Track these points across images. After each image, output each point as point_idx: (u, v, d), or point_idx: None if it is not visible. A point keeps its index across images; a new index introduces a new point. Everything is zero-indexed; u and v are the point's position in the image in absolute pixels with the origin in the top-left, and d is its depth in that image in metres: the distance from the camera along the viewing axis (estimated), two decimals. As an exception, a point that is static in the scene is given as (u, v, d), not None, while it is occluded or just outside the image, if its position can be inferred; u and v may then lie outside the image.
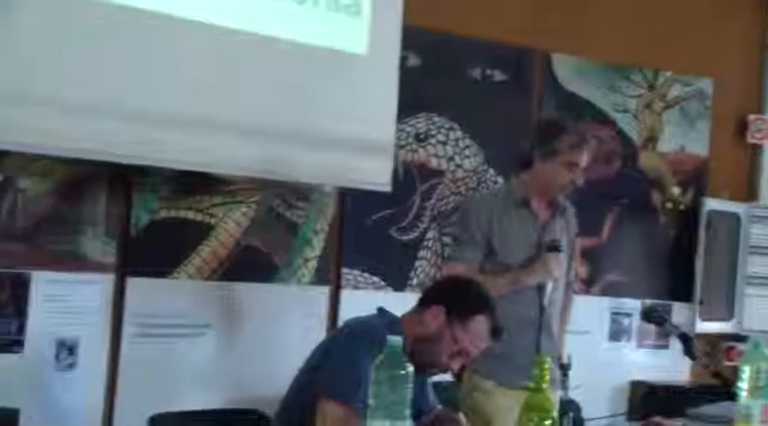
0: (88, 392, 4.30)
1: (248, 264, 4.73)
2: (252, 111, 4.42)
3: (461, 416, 3.08)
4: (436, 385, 3.36)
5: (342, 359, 2.97)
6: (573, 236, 4.19)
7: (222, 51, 4.33)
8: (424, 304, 3.19)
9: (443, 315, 3.09)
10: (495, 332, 3.15)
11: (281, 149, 4.53)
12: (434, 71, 5.35)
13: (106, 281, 4.35)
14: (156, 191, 4.47)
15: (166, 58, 4.18)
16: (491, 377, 3.87)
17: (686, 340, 3.81)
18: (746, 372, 3.09)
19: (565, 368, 3.06)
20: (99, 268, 4.32)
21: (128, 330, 4.39)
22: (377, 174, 4.91)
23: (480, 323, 3.11)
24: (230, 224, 4.67)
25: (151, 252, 4.46)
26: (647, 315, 4.28)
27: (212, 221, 4.62)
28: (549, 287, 3.89)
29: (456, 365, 3.16)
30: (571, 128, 4.10)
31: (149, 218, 4.45)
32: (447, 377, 3.62)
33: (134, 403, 4.23)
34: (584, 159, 3.95)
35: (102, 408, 4.34)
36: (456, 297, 3.16)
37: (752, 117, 6.50)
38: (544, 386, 2.34)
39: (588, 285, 5.87)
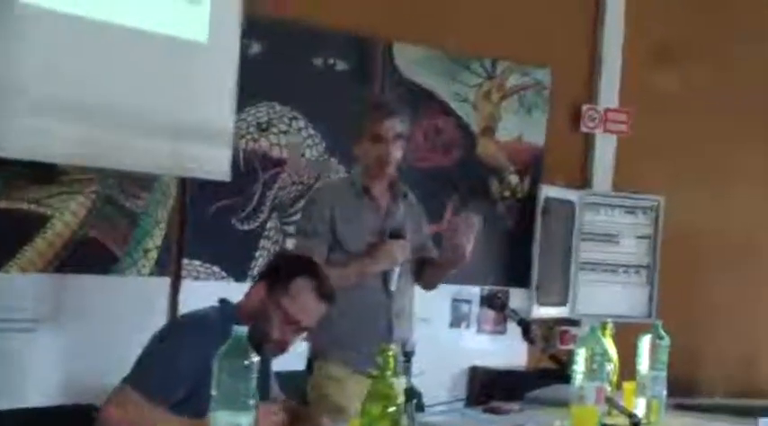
0: None
1: (86, 256, 4.62)
2: (88, 98, 4.32)
3: (310, 409, 3.09)
4: (285, 374, 3.35)
5: (153, 349, 2.99)
6: (421, 220, 4.20)
7: (59, 37, 4.22)
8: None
9: (265, 287, 3.09)
10: (324, 295, 3.12)
11: (118, 137, 4.44)
12: (277, 60, 5.32)
13: (-66, 275, 4.19)
14: (-13, 182, 4.33)
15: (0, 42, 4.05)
16: (343, 365, 3.84)
17: (524, 325, 3.89)
18: (581, 355, 3.18)
19: (408, 355, 3.09)
20: (-73, 261, 4.17)
21: (-41, 325, 4.24)
22: (215, 163, 4.86)
23: (302, 287, 3.08)
24: (67, 215, 4.55)
25: (-18, 245, 4.32)
26: (488, 301, 4.35)
27: (48, 212, 4.49)
28: (395, 273, 3.90)
29: (290, 336, 3.11)
30: (378, 104, 4.12)
31: (-19, 210, 4.31)
32: (297, 367, 3.62)
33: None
34: (389, 129, 3.89)
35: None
36: (274, 268, 3.19)
37: (585, 106, 6.68)
38: (388, 373, 2.35)
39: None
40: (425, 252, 4.18)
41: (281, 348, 3.12)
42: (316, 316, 3.15)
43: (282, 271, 3.13)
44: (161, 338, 3.04)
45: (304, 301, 3.09)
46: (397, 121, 3.92)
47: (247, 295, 3.16)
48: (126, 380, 2.91)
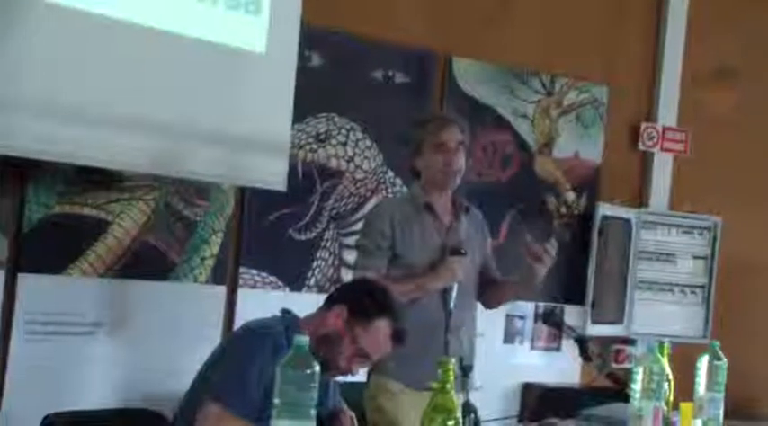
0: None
1: (145, 262, 4.66)
2: (149, 107, 4.36)
3: (350, 413, 3.11)
4: (341, 384, 3.36)
5: (231, 361, 3.00)
6: (485, 237, 4.20)
7: (122, 47, 4.26)
8: (329, 304, 3.19)
9: (345, 315, 3.10)
10: (398, 336, 3.15)
11: (176, 145, 4.48)
12: (337, 72, 5.35)
13: (-3, 277, 4.24)
14: (52, 186, 4.38)
15: (67, 53, 4.10)
16: (399, 379, 3.84)
17: (582, 342, 3.88)
18: (639, 374, 3.15)
19: (466, 370, 3.09)
20: (-10, 263, 4.22)
21: (19, 327, 4.29)
22: (271, 173, 4.88)
23: (382, 327, 3.11)
24: (127, 221, 4.60)
25: (45, 248, 4.37)
26: (544, 317, 4.33)
27: (109, 218, 4.55)
28: (455, 290, 3.88)
29: (356, 367, 3.16)
30: (435, 115, 4.10)
31: (44, 213, 4.36)
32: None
33: (25, 403, 4.14)
34: (451, 137, 3.92)
35: (-10, 408, 4.24)
36: (359, 298, 3.15)
37: (644, 125, 6.63)
38: (448, 386, 2.35)
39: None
40: (488, 269, 4.17)
41: (344, 374, 3.16)
42: (384, 353, 3.20)
43: (367, 306, 3.11)
44: (237, 351, 3.02)
45: (380, 340, 3.12)
46: (457, 130, 3.95)
47: (322, 316, 3.14)
48: (214, 398, 2.91)
